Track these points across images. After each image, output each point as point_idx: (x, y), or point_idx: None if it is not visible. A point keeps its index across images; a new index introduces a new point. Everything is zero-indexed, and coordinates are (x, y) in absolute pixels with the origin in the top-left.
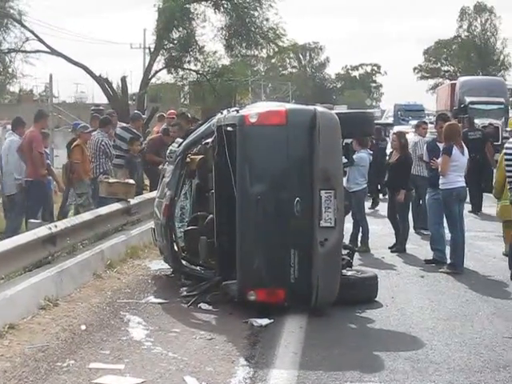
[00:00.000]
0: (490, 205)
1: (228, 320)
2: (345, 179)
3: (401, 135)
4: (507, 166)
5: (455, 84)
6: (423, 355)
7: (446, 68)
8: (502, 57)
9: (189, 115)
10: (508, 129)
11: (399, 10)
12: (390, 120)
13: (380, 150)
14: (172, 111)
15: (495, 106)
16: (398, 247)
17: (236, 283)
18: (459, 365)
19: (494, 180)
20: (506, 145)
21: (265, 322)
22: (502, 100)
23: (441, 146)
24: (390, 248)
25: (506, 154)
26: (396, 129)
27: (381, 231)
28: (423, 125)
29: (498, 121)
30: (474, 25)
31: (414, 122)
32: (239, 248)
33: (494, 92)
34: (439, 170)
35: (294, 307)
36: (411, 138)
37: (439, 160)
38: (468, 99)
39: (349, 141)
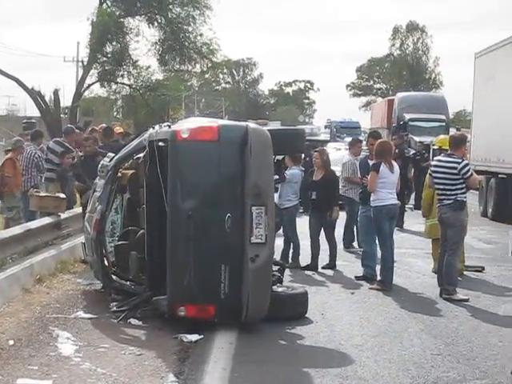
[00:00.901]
0: (419, 222)
1: (158, 335)
2: (276, 195)
3: (322, 152)
4: (436, 183)
5: (393, 100)
6: (352, 372)
7: (378, 86)
8: (433, 75)
9: (121, 129)
10: (435, 146)
11: (333, 28)
12: (323, 137)
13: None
14: (117, 128)
15: (436, 124)
16: (293, 264)
17: (166, 299)
18: (388, 381)
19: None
20: (433, 163)
21: (195, 337)
22: (442, 117)
23: (372, 163)
24: (322, 267)
25: (433, 171)
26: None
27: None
28: (358, 143)
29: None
30: (406, 43)
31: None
32: (170, 263)
33: (434, 109)
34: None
35: (225, 323)
36: (345, 156)
37: (369, 177)
38: (407, 116)
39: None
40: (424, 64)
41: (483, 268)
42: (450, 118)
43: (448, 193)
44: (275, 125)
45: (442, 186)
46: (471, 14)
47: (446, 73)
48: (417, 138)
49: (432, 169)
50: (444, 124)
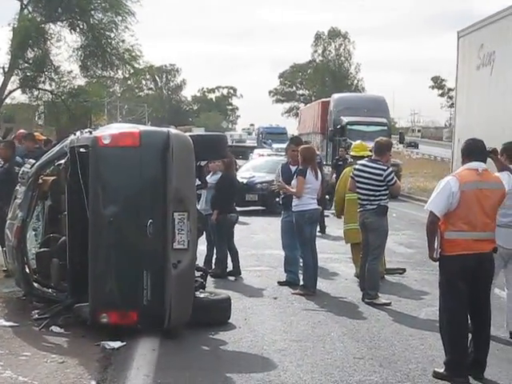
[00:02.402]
0: (341, 227)
1: (80, 343)
2: (200, 201)
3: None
4: (359, 188)
5: (328, 102)
6: (275, 376)
7: (301, 92)
8: (355, 81)
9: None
10: (352, 153)
11: (255, 34)
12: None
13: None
14: (21, 131)
15: (377, 128)
16: (216, 270)
17: (88, 306)
18: None
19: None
20: (357, 167)
21: (117, 344)
22: (384, 120)
23: (293, 168)
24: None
25: (357, 176)
26: (256, 151)
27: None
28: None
29: None
30: (328, 49)
31: (277, 146)
32: (91, 270)
33: (375, 111)
34: (293, 191)
35: (147, 329)
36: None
37: (293, 182)
38: (345, 119)
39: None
40: (346, 70)
41: (404, 270)
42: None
43: (372, 198)
44: (199, 131)
45: (365, 191)
46: (392, 21)
47: (367, 78)
48: None
49: (355, 173)
50: (386, 128)
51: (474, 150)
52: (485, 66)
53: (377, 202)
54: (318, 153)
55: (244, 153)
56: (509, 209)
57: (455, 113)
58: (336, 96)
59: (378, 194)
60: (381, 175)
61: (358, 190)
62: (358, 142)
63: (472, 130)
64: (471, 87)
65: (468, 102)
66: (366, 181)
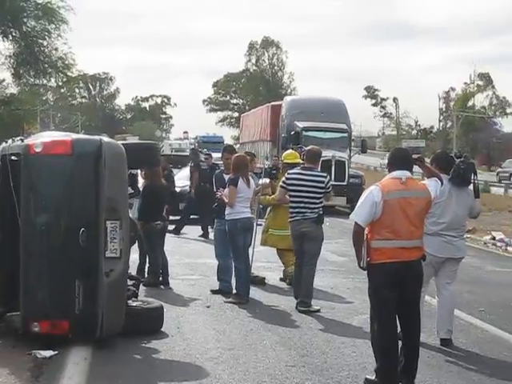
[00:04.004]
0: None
1: (11, 352)
2: (132, 210)
3: None
4: (296, 197)
5: (279, 106)
6: None
7: (235, 101)
8: (289, 90)
9: None
10: (286, 161)
11: (189, 42)
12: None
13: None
14: None
15: (337, 134)
16: (149, 279)
17: (19, 315)
18: None
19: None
20: (291, 176)
21: (49, 353)
22: (343, 126)
23: (227, 177)
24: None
25: (293, 184)
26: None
27: (170, 261)
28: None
29: (342, 153)
30: (262, 59)
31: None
32: (23, 279)
33: (333, 116)
34: (226, 200)
35: (79, 339)
36: None
37: (226, 191)
38: (300, 124)
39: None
40: (280, 79)
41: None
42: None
43: (312, 206)
44: (133, 139)
45: (305, 200)
46: (324, 30)
47: (301, 88)
48: None
49: (290, 182)
50: (346, 135)
51: (398, 159)
52: None
53: (317, 211)
54: (260, 166)
55: (183, 162)
56: (439, 217)
57: None
58: (289, 99)
59: (318, 201)
60: (322, 182)
61: (293, 199)
62: (290, 150)
63: None
64: None
65: None
66: (305, 189)
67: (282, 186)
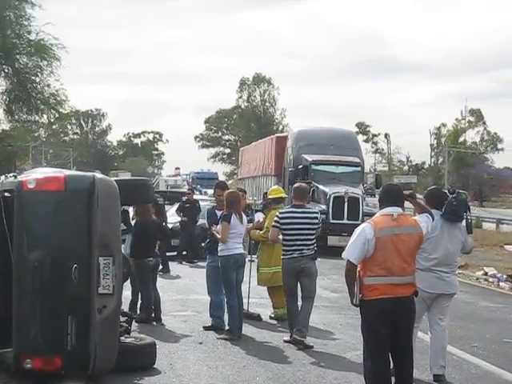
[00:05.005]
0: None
1: None
2: (125, 246)
3: None
4: (293, 235)
5: (285, 138)
6: None
7: (226, 137)
8: (280, 126)
9: None
10: (271, 196)
11: (181, 79)
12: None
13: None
14: None
15: (349, 169)
16: (141, 315)
17: (12, 351)
18: None
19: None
20: (286, 215)
21: None
22: (357, 160)
23: (219, 213)
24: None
25: (289, 223)
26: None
27: (162, 297)
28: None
29: (355, 189)
30: (253, 95)
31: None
32: (15, 315)
33: (344, 148)
34: (218, 237)
35: (72, 375)
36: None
37: (218, 227)
38: (309, 158)
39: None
40: (271, 115)
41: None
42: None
43: (309, 243)
44: (125, 175)
45: (302, 237)
46: (315, 67)
47: (293, 124)
48: (326, 189)
49: (284, 221)
50: (359, 169)
51: (390, 195)
52: None
53: (312, 247)
54: (249, 201)
55: (179, 198)
56: (430, 253)
57: None
58: (295, 130)
59: (313, 238)
60: (316, 218)
61: (288, 237)
62: (275, 186)
63: None
64: None
65: None
66: (300, 226)
67: (274, 226)
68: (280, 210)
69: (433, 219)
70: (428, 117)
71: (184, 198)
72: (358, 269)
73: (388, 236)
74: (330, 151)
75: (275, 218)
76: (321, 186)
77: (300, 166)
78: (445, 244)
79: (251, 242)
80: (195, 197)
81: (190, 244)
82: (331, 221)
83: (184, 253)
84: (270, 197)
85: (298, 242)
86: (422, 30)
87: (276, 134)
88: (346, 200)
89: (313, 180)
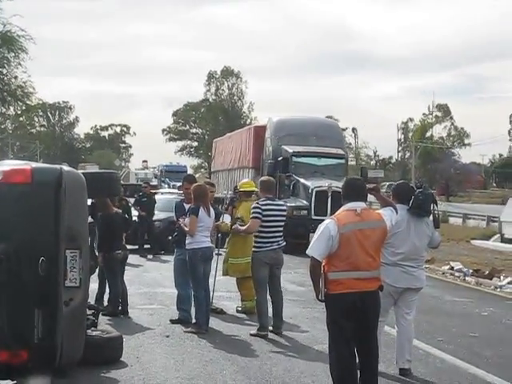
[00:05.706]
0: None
1: None
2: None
3: None
4: (270, 227)
5: (263, 128)
6: None
7: (194, 130)
8: (248, 120)
9: None
10: (242, 189)
11: (148, 71)
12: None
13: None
14: None
15: (333, 161)
16: (108, 308)
17: None
18: None
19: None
20: (263, 207)
21: (7, 383)
22: (341, 152)
23: (187, 206)
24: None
25: (267, 215)
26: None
27: (129, 290)
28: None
29: (339, 183)
30: (221, 88)
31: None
32: None
33: (327, 139)
34: (186, 230)
35: (38, 368)
36: None
37: (186, 220)
38: (289, 149)
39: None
40: (239, 109)
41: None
42: None
43: (280, 234)
44: (93, 168)
45: (277, 229)
46: (282, 60)
47: (260, 118)
48: (307, 183)
49: (266, 213)
50: (343, 161)
51: (352, 190)
52: None
53: (282, 238)
54: (220, 195)
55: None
56: (397, 248)
57: None
58: (275, 119)
59: (282, 230)
60: (285, 210)
61: (266, 229)
62: (246, 179)
63: None
64: None
65: None
66: (276, 218)
67: (256, 217)
68: (260, 202)
69: (396, 212)
70: (395, 111)
71: (140, 193)
72: (323, 264)
73: (352, 231)
74: (312, 142)
75: (256, 210)
76: (302, 180)
77: (280, 158)
78: (411, 239)
79: (218, 236)
80: (163, 190)
81: (153, 237)
82: (313, 217)
83: (147, 246)
84: (241, 189)
85: (276, 234)
86: (390, 25)
87: (254, 124)
88: (329, 195)
89: (293, 173)
